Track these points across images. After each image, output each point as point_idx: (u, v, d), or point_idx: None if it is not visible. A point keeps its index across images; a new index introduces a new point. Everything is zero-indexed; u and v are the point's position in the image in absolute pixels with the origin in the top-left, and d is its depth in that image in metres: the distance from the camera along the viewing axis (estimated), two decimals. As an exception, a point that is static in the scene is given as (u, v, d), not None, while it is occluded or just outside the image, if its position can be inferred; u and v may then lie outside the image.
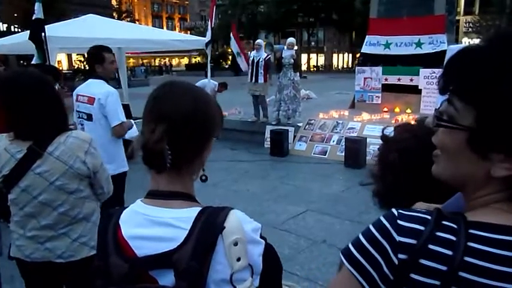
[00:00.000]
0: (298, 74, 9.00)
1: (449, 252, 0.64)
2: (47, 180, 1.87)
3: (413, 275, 0.66)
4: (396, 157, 1.05)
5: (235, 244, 0.91)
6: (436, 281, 0.64)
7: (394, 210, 0.72)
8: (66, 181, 1.90)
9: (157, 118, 0.98)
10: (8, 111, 1.87)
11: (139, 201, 1.04)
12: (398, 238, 0.68)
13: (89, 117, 3.54)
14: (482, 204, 0.70)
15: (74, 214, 1.97)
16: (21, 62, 24.82)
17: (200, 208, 0.98)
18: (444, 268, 0.64)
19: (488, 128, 0.65)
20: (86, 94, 3.53)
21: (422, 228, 0.67)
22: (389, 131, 1.14)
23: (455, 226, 0.67)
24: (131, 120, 4.15)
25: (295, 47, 9.32)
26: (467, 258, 0.63)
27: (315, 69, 51.91)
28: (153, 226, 0.96)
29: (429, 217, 0.69)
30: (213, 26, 9.16)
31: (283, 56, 8.81)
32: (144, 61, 55.35)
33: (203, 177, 1.08)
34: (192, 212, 0.96)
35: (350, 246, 0.74)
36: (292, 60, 8.76)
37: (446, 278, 0.63)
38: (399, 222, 0.69)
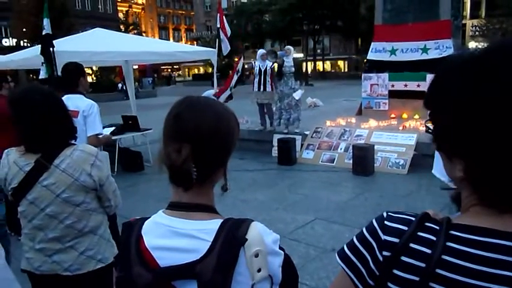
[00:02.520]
0: (298, 82, 8.95)
1: (428, 251, 0.69)
2: (54, 192, 1.90)
3: (395, 271, 0.72)
4: None
5: (256, 255, 0.95)
6: (416, 277, 0.69)
7: (384, 212, 0.79)
8: (72, 193, 1.92)
9: (181, 137, 1.00)
10: (16, 126, 1.91)
11: (161, 212, 1.06)
12: (383, 237, 0.75)
13: None
14: (465, 207, 0.75)
15: (80, 227, 1.98)
16: (31, 75, 25.13)
17: (221, 220, 1.01)
18: (423, 265, 0.69)
19: (443, 137, 0.74)
20: (70, 108, 3.59)
21: (405, 228, 0.74)
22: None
23: (437, 227, 0.72)
24: (108, 134, 4.32)
25: (301, 54, 9.26)
26: (445, 257, 0.68)
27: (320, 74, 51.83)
28: (176, 237, 0.99)
29: (414, 219, 0.75)
30: (228, 35, 9.15)
31: (285, 64, 8.74)
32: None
33: (225, 187, 1.12)
34: (214, 224, 0.99)
35: (344, 246, 0.82)
36: (293, 69, 8.72)
37: (424, 275, 0.68)
38: (386, 223, 0.77)
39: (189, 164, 0.97)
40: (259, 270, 0.94)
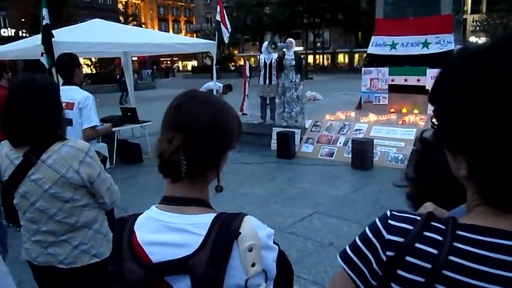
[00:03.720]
0: (299, 76, 8.90)
1: (435, 251, 0.67)
2: (41, 187, 1.87)
3: (400, 272, 0.70)
4: (440, 161, 1.03)
5: (250, 250, 0.93)
6: (421, 278, 0.67)
7: (388, 211, 0.77)
8: (59, 190, 1.88)
9: (176, 128, 0.98)
10: (9, 116, 1.87)
11: (154, 207, 1.05)
12: (387, 236, 0.73)
13: (69, 123, 3.56)
14: (470, 207, 0.73)
15: (71, 222, 1.94)
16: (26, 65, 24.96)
17: (215, 214, 0.99)
18: (429, 266, 0.67)
19: (446, 133, 0.71)
20: (64, 100, 3.55)
21: (410, 227, 0.71)
22: (429, 135, 1.13)
23: (443, 227, 0.70)
24: (109, 124, 4.23)
25: (301, 48, 9.20)
26: (451, 258, 0.66)
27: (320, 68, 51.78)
28: (168, 232, 0.97)
29: (419, 218, 0.73)
30: (229, 30, 9.04)
31: (286, 57, 8.69)
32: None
33: (218, 188, 1.09)
34: (207, 218, 0.97)
35: (347, 247, 0.79)
36: (294, 62, 8.67)
37: (430, 276, 0.66)
38: (390, 221, 0.74)
39: (178, 156, 0.95)
40: (253, 265, 0.93)
